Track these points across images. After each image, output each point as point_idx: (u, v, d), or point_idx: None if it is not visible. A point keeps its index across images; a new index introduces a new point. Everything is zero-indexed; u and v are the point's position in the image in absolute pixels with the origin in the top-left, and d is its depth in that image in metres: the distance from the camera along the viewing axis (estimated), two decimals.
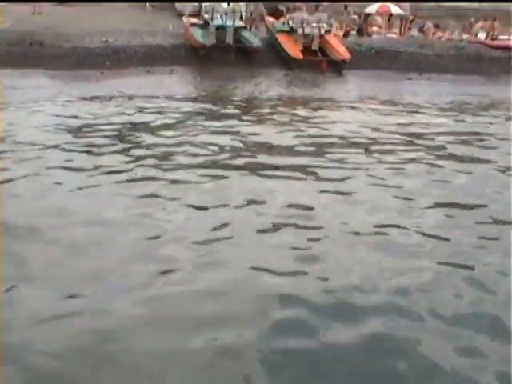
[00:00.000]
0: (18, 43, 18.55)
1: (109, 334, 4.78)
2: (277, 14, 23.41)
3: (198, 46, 19.10)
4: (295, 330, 4.86)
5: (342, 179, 8.90)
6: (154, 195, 7.85)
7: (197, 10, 25.50)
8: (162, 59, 19.04)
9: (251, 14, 22.20)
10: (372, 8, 25.18)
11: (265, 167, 9.41)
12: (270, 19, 22.45)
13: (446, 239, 6.81)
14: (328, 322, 4.95)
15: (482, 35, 24.66)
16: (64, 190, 8.03)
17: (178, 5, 28.32)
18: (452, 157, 10.65)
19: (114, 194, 7.90)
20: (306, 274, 5.81)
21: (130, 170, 8.95)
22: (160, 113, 13.51)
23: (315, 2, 23.07)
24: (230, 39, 19.37)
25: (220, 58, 19.02)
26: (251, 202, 7.69)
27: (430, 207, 7.86)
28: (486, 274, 5.96)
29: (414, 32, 26.06)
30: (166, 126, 12.01)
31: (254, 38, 19.78)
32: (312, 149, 10.71)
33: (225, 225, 6.92)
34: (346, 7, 26.57)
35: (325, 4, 24.48)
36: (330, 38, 20.45)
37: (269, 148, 10.65)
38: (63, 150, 9.92)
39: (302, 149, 10.71)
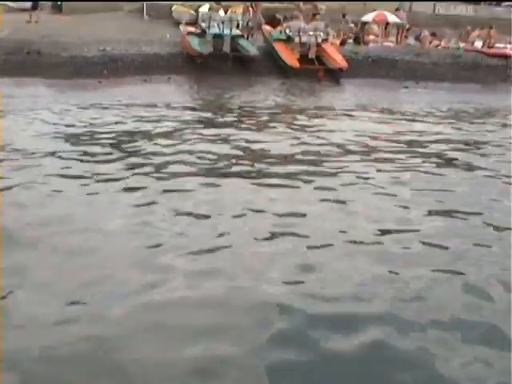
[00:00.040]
0: (15, 52, 18.61)
1: (106, 341, 4.76)
2: (274, 23, 23.50)
3: (195, 54, 19.15)
4: (293, 340, 4.83)
5: (340, 187, 8.88)
6: (151, 203, 7.83)
7: (194, 19, 25.66)
8: (159, 68, 19.10)
9: (248, 22, 22.31)
10: (369, 16, 25.27)
11: (262, 175, 9.41)
12: (266, 28, 22.52)
13: (445, 247, 6.79)
14: (326, 332, 4.92)
15: (478, 43, 24.75)
16: (62, 197, 8.02)
17: (175, 13, 28.46)
18: (450, 165, 10.66)
19: (112, 202, 7.88)
20: (304, 283, 5.78)
21: (128, 177, 8.92)
22: (157, 121, 13.52)
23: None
24: (227, 48, 19.42)
25: (217, 66, 19.08)
26: (249, 210, 7.68)
27: (428, 215, 7.85)
28: (485, 282, 5.94)
29: (411, 40, 26.14)
30: (164, 135, 12.01)
31: (251, 47, 19.84)
32: (309, 157, 10.71)
33: (223, 234, 6.90)
34: (344, 15, 26.63)
35: (322, 12, 24.56)
36: (326, 46, 20.53)
37: (266, 156, 10.64)
38: (61, 158, 9.90)
39: (300, 157, 10.71)
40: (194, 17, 26.61)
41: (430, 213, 7.95)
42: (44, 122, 12.87)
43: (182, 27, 22.10)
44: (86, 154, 10.23)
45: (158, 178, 8.94)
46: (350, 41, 24.31)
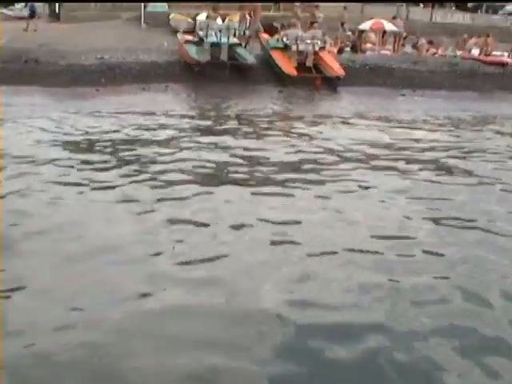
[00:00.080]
0: (13, 60, 18.61)
1: (103, 347, 4.80)
2: (271, 31, 23.53)
3: (192, 62, 19.17)
4: (292, 350, 4.84)
5: (339, 195, 8.90)
6: (150, 211, 7.85)
7: (191, 27, 25.69)
8: (156, 76, 19.10)
9: (245, 31, 22.32)
10: (366, 25, 25.32)
11: (261, 184, 9.43)
12: (264, 36, 22.54)
13: (444, 255, 6.82)
14: (326, 341, 4.93)
15: (475, 51, 24.78)
16: (61, 205, 8.05)
17: (172, 22, 28.51)
18: (448, 172, 10.69)
19: (111, 210, 7.91)
20: (303, 292, 5.78)
21: (126, 185, 8.95)
22: (155, 129, 13.52)
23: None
24: (224, 56, 19.44)
25: (215, 74, 19.09)
26: (247, 218, 7.69)
27: (427, 223, 7.86)
28: (485, 290, 5.96)
29: (408, 48, 26.17)
30: (162, 143, 12.01)
31: (248, 55, 19.85)
32: (307, 165, 10.72)
33: (221, 242, 6.91)
34: (342, 24, 26.70)
35: (320, 20, 24.60)
36: (324, 54, 20.54)
37: (264, 164, 10.65)
38: (59, 165, 9.92)
39: (298, 165, 10.72)
40: (192, 25, 26.67)
41: (428, 220, 7.96)
42: (42, 130, 12.87)
43: (179, 35, 22.09)
44: (84, 161, 10.25)
45: (156, 186, 8.96)
46: (348, 49, 24.34)
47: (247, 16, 24.65)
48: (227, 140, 12.52)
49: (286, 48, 20.43)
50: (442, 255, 6.82)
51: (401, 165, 11.07)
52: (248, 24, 24.10)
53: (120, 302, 5.48)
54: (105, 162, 10.29)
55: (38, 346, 4.77)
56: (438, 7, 38.22)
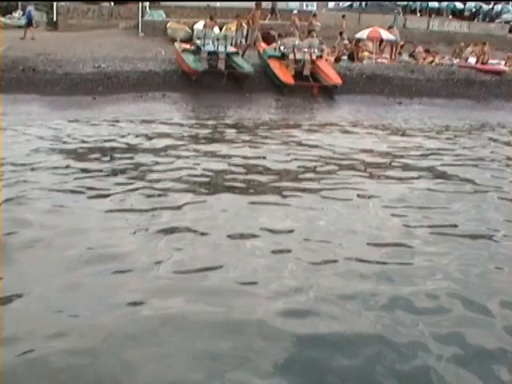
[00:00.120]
0: (10, 69, 18.62)
1: (98, 354, 4.80)
2: (268, 40, 23.56)
3: (190, 71, 19.18)
4: (291, 361, 4.81)
5: (335, 204, 8.89)
6: (147, 220, 7.85)
7: (189, 36, 25.75)
8: (154, 84, 19.13)
9: (242, 39, 22.36)
10: (363, 33, 25.34)
11: (258, 192, 9.45)
12: (261, 45, 22.56)
13: (443, 264, 6.81)
14: (324, 352, 4.91)
15: (472, 60, 24.84)
16: (58, 212, 8.07)
17: (170, 31, 28.52)
18: (445, 180, 10.68)
19: (107, 219, 7.89)
20: (300, 302, 5.74)
21: (123, 193, 8.97)
22: (152, 137, 13.53)
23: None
24: (221, 65, 19.45)
25: (212, 83, 19.11)
26: (245, 227, 7.68)
27: (425, 231, 7.87)
28: (485, 299, 5.97)
29: (405, 57, 26.21)
30: (159, 151, 12.01)
31: (245, 64, 19.88)
32: (305, 174, 10.74)
33: (219, 251, 6.91)
34: (341, 33, 26.77)
35: (317, 29, 24.67)
36: (321, 63, 20.57)
37: (262, 173, 10.67)
38: (57, 173, 9.95)
39: (295, 173, 10.74)
40: (189, 34, 26.73)
41: (426, 228, 7.99)
42: (39, 138, 12.88)
43: (176, 44, 22.11)
44: (81, 170, 10.25)
45: (154, 195, 8.96)
46: (345, 57, 24.36)
47: (244, 25, 24.71)
48: (225, 148, 12.54)
49: (283, 57, 20.47)
50: (440, 264, 6.81)
51: (398, 173, 11.09)
52: (245, 32, 24.17)
53: (116, 310, 5.48)
54: (102, 170, 10.29)
55: (34, 352, 4.78)
56: (435, 15, 38.30)
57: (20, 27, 29.51)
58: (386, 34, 25.27)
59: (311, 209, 8.64)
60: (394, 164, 11.90)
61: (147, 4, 33.93)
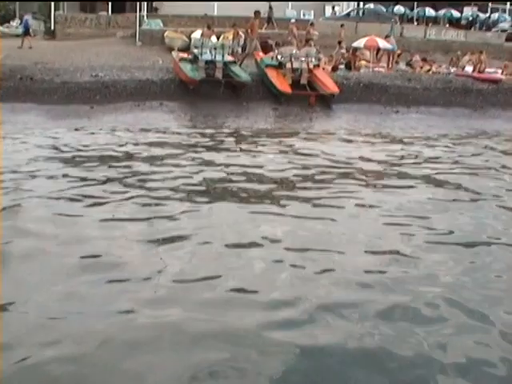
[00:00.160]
0: (8, 78, 18.62)
1: (92, 362, 4.84)
2: (265, 49, 23.59)
3: (187, 80, 19.20)
4: (289, 373, 4.79)
5: (333, 213, 8.90)
6: (144, 228, 7.87)
7: (186, 45, 25.79)
8: (151, 93, 19.13)
9: (243, 49, 22.40)
10: (360, 42, 25.38)
11: (256, 201, 9.46)
12: (258, 53, 22.59)
13: (444, 272, 6.84)
14: (323, 365, 4.91)
15: (469, 68, 24.88)
16: (55, 221, 8.10)
17: (167, 39, 28.58)
18: (443, 188, 10.74)
19: (105, 227, 7.92)
20: (299, 312, 5.73)
21: (121, 202, 9.02)
22: (150, 146, 13.55)
23: None
24: (219, 74, 19.46)
25: (209, 92, 19.12)
26: (243, 236, 7.71)
27: (425, 240, 7.89)
28: (485, 308, 5.98)
29: (402, 66, 26.24)
30: (156, 159, 12.03)
31: (243, 73, 19.91)
32: (302, 183, 10.77)
33: (217, 260, 6.92)
34: (339, 42, 26.82)
35: (315, 38, 24.69)
36: (318, 72, 20.59)
37: (260, 181, 10.69)
38: (54, 182, 10.03)
39: (293, 182, 10.78)
40: (187, 43, 26.77)
41: (425, 236, 8.01)
42: (37, 147, 12.89)
43: (174, 53, 22.14)
44: (79, 178, 10.27)
45: (152, 204, 8.99)
46: (342, 66, 24.39)
47: (241, 33, 24.74)
48: (222, 157, 12.55)
49: (280, 66, 20.48)
50: (439, 272, 6.83)
51: (396, 181, 11.13)
52: (242, 41, 24.21)
53: (113, 318, 5.50)
54: (100, 178, 10.31)
55: (31, 359, 4.81)
56: (432, 24, 38.37)
57: (18, 36, 29.55)
58: (383, 43, 25.30)
59: (309, 218, 8.64)
60: (391, 172, 11.91)
61: (145, 13, 34.03)
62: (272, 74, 20.10)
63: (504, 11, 44.42)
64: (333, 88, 19.80)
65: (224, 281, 6.37)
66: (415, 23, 40.59)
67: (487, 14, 43.40)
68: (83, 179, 10.21)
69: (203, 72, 19.38)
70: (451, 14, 42.58)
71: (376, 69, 24.35)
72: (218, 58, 19.62)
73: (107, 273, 6.46)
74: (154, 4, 38.77)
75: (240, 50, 22.86)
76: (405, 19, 41.05)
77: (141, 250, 7.15)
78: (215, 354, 4.98)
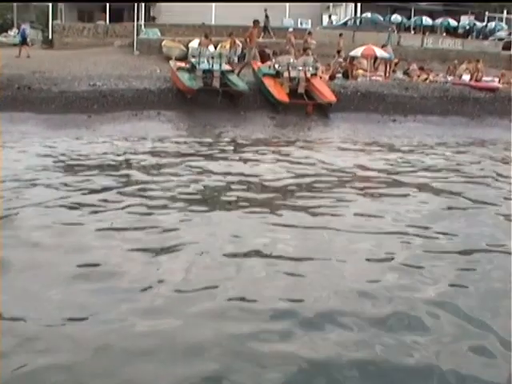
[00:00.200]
0: (6, 87, 18.65)
1: (87, 370, 4.84)
2: (263, 58, 23.63)
3: (185, 89, 19.23)
4: None
5: (332, 221, 8.88)
6: (143, 237, 7.87)
7: (184, 54, 25.83)
8: (149, 103, 19.16)
9: (239, 58, 22.43)
10: (357, 51, 25.44)
11: (254, 210, 9.42)
12: (256, 62, 22.64)
13: (446, 281, 6.82)
14: (323, 377, 4.88)
15: (466, 77, 24.95)
16: (53, 229, 8.11)
17: (165, 49, 28.65)
18: (441, 197, 10.73)
19: (103, 236, 7.92)
20: (300, 323, 5.70)
21: (119, 210, 9.03)
22: (148, 155, 13.58)
23: None
24: (216, 83, 19.50)
25: (207, 101, 19.15)
26: (240, 245, 7.70)
27: (425, 249, 7.88)
28: (488, 318, 5.96)
29: (399, 74, 26.30)
30: (154, 168, 12.06)
31: (240, 82, 19.94)
32: (300, 191, 10.79)
33: (214, 270, 6.91)
34: (338, 51, 26.89)
35: (312, 47, 24.75)
36: (315, 81, 20.63)
37: (257, 190, 10.73)
38: (52, 191, 10.02)
39: (290, 191, 10.79)
40: (184, 52, 26.81)
41: (424, 245, 8.01)
42: (34, 156, 12.92)
43: (172, 62, 22.18)
44: (77, 187, 10.30)
45: (149, 213, 9.00)
46: (339, 75, 24.44)
47: (238, 42, 24.80)
48: (220, 166, 12.55)
49: (277, 75, 20.52)
50: (439, 280, 6.82)
51: (394, 190, 11.13)
52: (239, 50, 24.27)
53: (110, 326, 5.49)
54: (98, 187, 10.32)
55: (27, 367, 4.82)
56: (429, 33, 38.50)
57: (15, 45, 29.64)
58: (380, 52, 25.37)
59: (308, 227, 8.64)
60: (389, 181, 11.92)
61: (142, 22, 34.12)
62: (269, 83, 20.14)
63: (501, 20, 44.64)
64: (330, 97, 19.84)
65: (222, 290, 6.35)
66: (412, 32, 40.72)
67: (484, 23, 43.57)
68: (81, 188, 10.21)
69: (201, 81, 19.42)
70: (448, 23, 42.71)
71: (373, 78, 24.41)
72: (216, 67, 19.68)
73: (105, 282, 6.46)
74: (152, 13, 38.89)
75: (236, 59, 22.89)
76: (402, 28, 41.17)
77: (139, 259, 7.14)
78: (212, 364, 4.96)
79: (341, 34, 29.61)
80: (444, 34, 41.13)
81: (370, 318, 5.81)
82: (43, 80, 19.62)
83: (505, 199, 10.79)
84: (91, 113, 18.32)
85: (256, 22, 24.01)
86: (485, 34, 41.76)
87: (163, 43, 29.53)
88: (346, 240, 8.17)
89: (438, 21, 42.91)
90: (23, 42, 28.04)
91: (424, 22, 42.03)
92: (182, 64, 21.39)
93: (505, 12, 44.81)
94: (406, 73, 26.41)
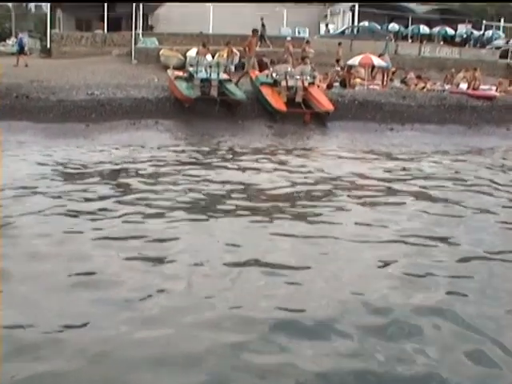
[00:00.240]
0: (4, 96, 18.64)
1: (82, 376, 4.87)
2: (261, 67, 23.68)
3: (182, 98, 19.24)
4: None
5: (331, 231, 8.88)
6: (141, 246, 7.87)
7: (182, 63, 25.89)
8: (146, 112, 19.15)
9: (236, 67, 22.47)
10: (354, 60, 25.50)
11: (252, 218, 9.44)
12: (254, 71, 22.68)
13: (446, 290, 6.84)
14: None
15: (463, 85, 25.00)
16: (51, 236, 8.13)
17: (163, 58, 28.71)
18: (439, 205, 10.74)
19: (100, 245, 7.91)
20: (300, 332, 5.69)
21: (116, 219, 9.04)
22: (146, 163, 13.59)
23: None
24: (214, 92, 19.51)
25: (205, 110, 19.15)
26: (238, 255, 7.69)
27: (424, 257, 7.89)
28: (492, 325, 5.99)
29: (397, 83, 26.35)
30: (151, 177, 12.06)
31: (238, 91, 19.95)
32: (298, 200, 10.80)
33: (212, 280, 6.91)
34: (337, 60, 26.95)
35: (310, 56, 24.82)
36: (313, 90, 20.65)
37: (255, 199, 10.76)
38: (50, 199, 10.03)
39: (289, 200, 10.80)
40: (182, 61, 26.87)
41: (424, 253, 8.03)
42: (32, 165, 12.91)
43: (169, 71, 22.22)
44: (75, 195, 10.31)
45: (147, 222, 8.99)
46: (337, 84, 24.49)
47: (235, 51, 24.84)
48: (218, 175, 12.55)
49: (275, 84, 20.55)
50: (439, 288, 6.84)
51: (392, 198, 11.16)
52: (237, 59, 24.32)
53: (108, 335, 5.50)
54: (96, 196, 10.34)
55: (25, 374, 4.83)
56: (427, 42, 38.58)
57: (13, 54, 29.70)
58: (377, 61, 25.44)
59: (307, 236, 8.63)
60: (387, 189, 11.93)
61: (140, 31, 34.19)
62: (267, 92, 20.16)
63: (498, 28, 44.73)
64: (328, 106, 19.86)
65: (220, 300, 6.35)
66: (410, 41, 40.76)
67: (481, 32, 43.66)
68: (80, 197, 10.23)
69: (198, 90, 19.43)
70: (445, 32, 42.78)
71: (371, 86, 24.45)
72: (214, 76, 19.68)
73: (103, 291, 6.46)
74: (150, 22, 38.99)
75: (233, 68, 22.93)
76: (399, 37, 41.27)
77: (137, 268, 7.14)
78: (210, 374, 4.96)
79: (340, 43, 29.69)
80: (441, 43, 41.20)
81: (369, 327, 5.81)
82: (41, 89, 19.61)
83: (503, 207, 10.82)
84: (89, 122, 18.32)
85: (255, 31, 24.08)
86: (482, 43, 41.87)
87: (161, 52, 29.60)
88: (344, 249, 8.18)
89: (436, 29, 42.98)
90: (21, 51, 28.12)
91: (421, 30, 42.08)
92: (180, 73, 21.43)
93: (502, 20, 44.94)
94: (403, 81, 26.46)
